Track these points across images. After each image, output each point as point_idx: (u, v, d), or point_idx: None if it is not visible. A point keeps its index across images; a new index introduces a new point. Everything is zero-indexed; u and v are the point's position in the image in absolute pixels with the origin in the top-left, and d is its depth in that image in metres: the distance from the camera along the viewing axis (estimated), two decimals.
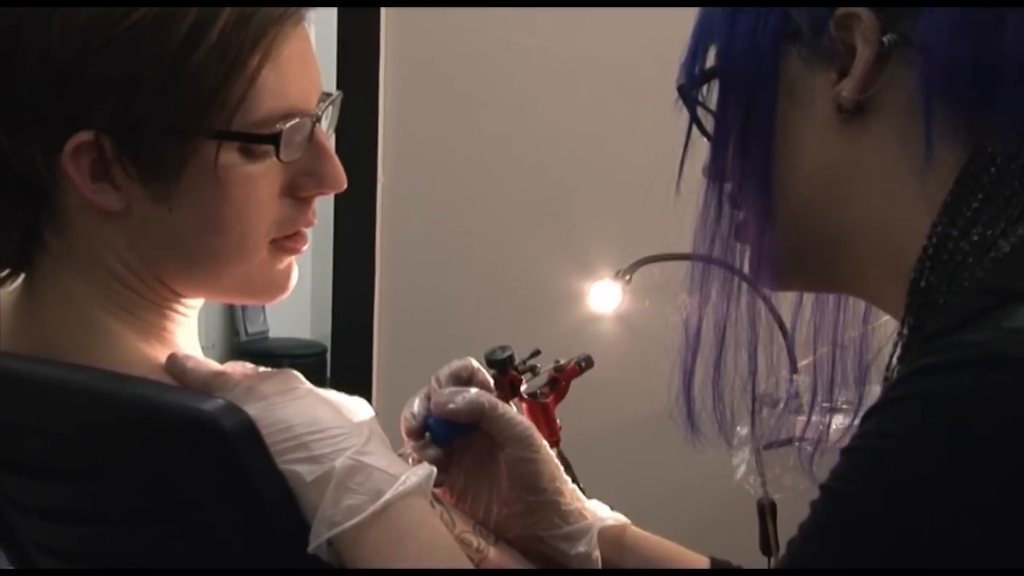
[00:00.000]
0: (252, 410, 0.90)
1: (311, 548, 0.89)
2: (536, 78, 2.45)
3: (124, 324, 0.98)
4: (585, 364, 1.19)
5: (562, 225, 2.43)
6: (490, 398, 1.04)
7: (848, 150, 0.81)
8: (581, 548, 1.03)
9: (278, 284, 1.01)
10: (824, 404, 0.95)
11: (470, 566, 0.93)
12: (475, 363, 1.10)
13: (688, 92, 0.87)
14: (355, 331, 2.52)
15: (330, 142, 1.00)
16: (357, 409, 1.00)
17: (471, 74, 2.47)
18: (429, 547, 0.90)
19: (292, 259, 1.01)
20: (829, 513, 0.71)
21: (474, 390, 1.04)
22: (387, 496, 0.89)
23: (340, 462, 0.89)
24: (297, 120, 0.94)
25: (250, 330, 4.80)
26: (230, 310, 4.77)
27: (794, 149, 0.83)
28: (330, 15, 2.56)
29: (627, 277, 1.98)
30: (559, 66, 2.44)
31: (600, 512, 1.07)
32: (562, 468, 1.06)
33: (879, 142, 0.80)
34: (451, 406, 1.03)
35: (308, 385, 0.96)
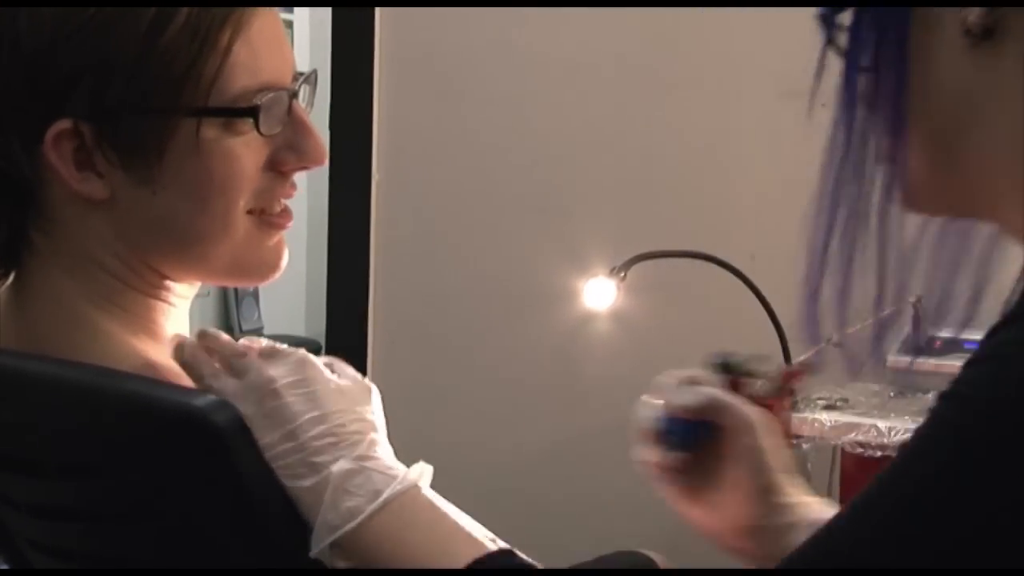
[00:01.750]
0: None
1: (313, 553, 0.88)
2: (530, 76, 2.45)
3: (114, 319, 0.97)
4: (809, 368, 1.20)
5: (556, 222, 2.43)
6: (722, 391, 1.06)
7: (980, 74, 0.79)
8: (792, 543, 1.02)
9: (268, 262, 1.01)
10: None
11: (479, 540, 0.91)
12: (701, 372, 1.10)
13: (830, 18, 0.84)
14: (349, 327, 2.52)
15: (309, 118, 1.00)
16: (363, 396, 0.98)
17: (465, 72, 2.48)
18: (438, 525, 0.89)
19: (281, 236, 1.01)
20: (950, 416, 0.71)
21: (704, 386, 1.06)
22: (385, 495, 0.88)
23: (336, 466, 0.88)
24: (273, 94, 0.95)
25: (244, 327, 4.81)
26: (224, 307, 4.77)
27: (926, 72, 0.81)
28: (325, 15, 2.56)
29: (621, 274, 1.97)
30: (553, 64, 2.44)
31: (816, 514, 1.05)
32: (792, 465, 1.06)
33: (1012, 65, 0.78)
34: (688, 401, 1.05)
35: (319, 372, 0.93)
